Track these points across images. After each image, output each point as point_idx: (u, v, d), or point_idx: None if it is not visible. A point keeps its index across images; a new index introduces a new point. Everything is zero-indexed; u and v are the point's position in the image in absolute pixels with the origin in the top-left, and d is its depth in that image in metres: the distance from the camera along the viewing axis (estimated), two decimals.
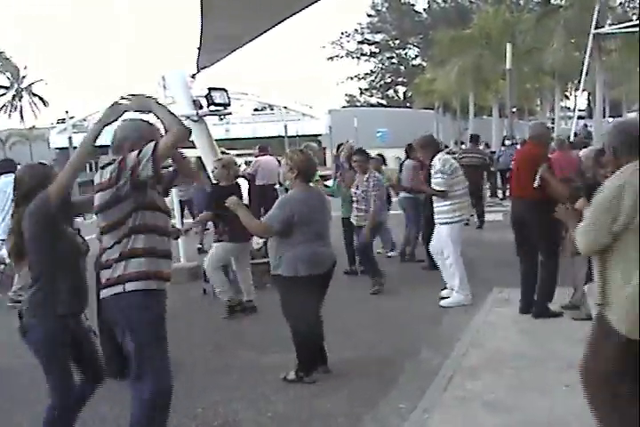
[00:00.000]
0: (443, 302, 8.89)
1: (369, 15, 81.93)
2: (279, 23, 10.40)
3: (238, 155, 20.76)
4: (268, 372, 6.51)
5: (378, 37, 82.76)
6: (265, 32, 11.02)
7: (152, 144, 4.06)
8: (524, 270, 8.19)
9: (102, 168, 4.22)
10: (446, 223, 8.88)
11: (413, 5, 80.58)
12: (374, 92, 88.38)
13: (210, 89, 10.63)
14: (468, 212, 9.16)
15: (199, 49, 11.04)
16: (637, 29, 33.96)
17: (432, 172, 8.94)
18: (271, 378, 6.35)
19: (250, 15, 9.79)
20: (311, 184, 6.42)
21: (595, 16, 32.79)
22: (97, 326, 5.12)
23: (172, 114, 4.23)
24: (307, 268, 6.04)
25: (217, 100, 10.61)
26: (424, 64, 70.35)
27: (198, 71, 11.82)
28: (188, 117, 10.56)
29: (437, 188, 8.83)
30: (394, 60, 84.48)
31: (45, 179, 4.45)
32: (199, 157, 11.43)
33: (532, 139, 8.25)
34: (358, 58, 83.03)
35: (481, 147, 24.91)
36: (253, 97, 58.86)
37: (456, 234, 8.94)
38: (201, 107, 10.83)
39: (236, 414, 5.64)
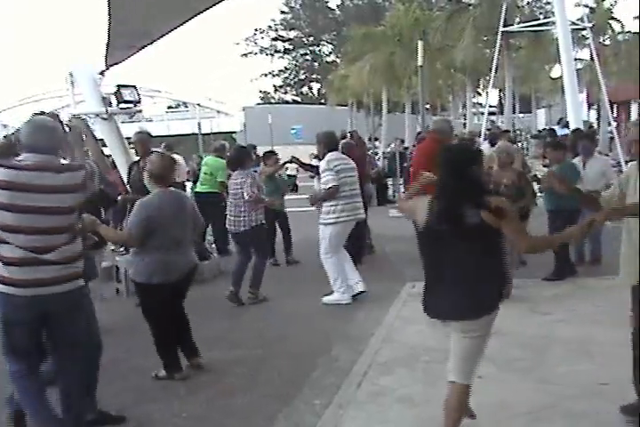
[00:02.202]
0: (324, 299, 8.88)
1: (282, 12, 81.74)
2: (190, 19, 10.28)
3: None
4: None
5: (291, 34, 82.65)
6: (176, 28, 10.88)
7: None
8: None
9: None
10: (330, 224, 8.84)
11: (327, 2, 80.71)
12: (288, 88, 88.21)
13: (119, 86, 10.46)
14: (360, 213, 9.00)
15: (107, 45, 10.82)
16: (544, 28, 34.83)
17: (320, 171, 8.99)
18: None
19: (159, 11, 9.65)
20: (171, 188, 6.31)
21: (502, 14, 33.40)
22: None
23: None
24: (159, 276, 6.01)
25: (126, 98, 10.45)
26: (338, 61, 70.50)
27: (107, 68, 11.59)
28: (97, 115, 10.36)
29: (328, 185, 8.78)
30: (308, 57, 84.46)
31: None
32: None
33: (435, 134, 8.32)
34: (272, 55, 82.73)
35: (393, 144, 25.26)
36: (167, 94, 58.35)
37: (336, 234, 8.88)
38: (110, 104, 10.64)
39: (150, 415, 5.57)
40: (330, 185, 8.74)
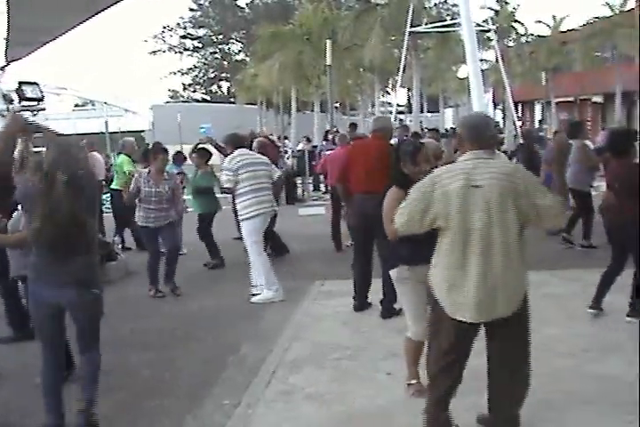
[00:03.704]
0: (254, 299, 8.83)
1: (191, 9, 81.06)
2: (94, 15, 10.06)
3: None
4: None
5: (200, 32, 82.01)
6: (79, 24, 10.63)
7: None
8: (364, 268, 8.14)
9: None
10: (244, 220, 8.87)
11: (236, 0, 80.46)
12: (198, 87, 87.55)
13: (20, 83, 10.14)
14: (269, 206, 8.97)
15: (7, 40, 10.51)
16: (450, 29, 35.45)
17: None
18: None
19: (62, 6, 9.41)
20: None
21: (410, 15, 33.90)
22: None
23: None
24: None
25: (29, 95, 10.09)
26: (247, 59, 70.34)
27: (7, 64, 11.26)
28: None
29: (224, 185, 8.91)
30: (217, 56, 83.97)
31: None
32: None
33: (377, 132, 8.34)
34: (181, 53, 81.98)
35: (302, 144, 25.32)
36: (73, 92, 57.12)
37: (252, 230, 8.87)
38: (12, 101, 10.34)
39: None
40: (225, 186, 8.91)
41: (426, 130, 30.09)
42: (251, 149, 10.00)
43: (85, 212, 4.82)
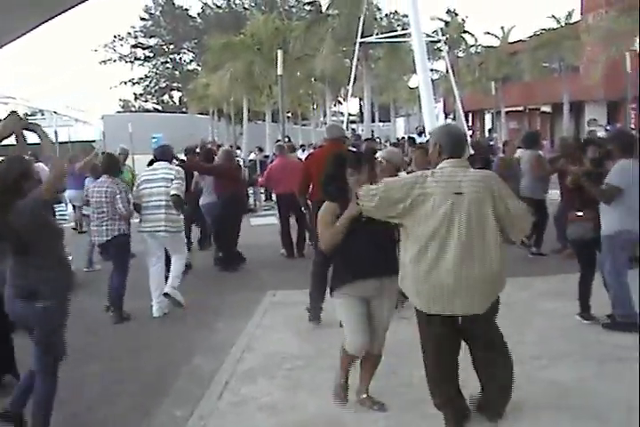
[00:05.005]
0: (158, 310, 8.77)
1: (142, 19, 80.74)
2: (43, 23, 10.00)
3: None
4: None
5: (152, 42, 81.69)
6: (27, 32, 10.55)
7: None
8: (321, 276, 7.93)
9: None
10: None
11: (187, 10, 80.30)
12: (149, 97, 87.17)
13: None
14: (155, 226, 8.81)
15: None
16: (400, 40, 35.76)
17: None
18: None
19: (8, 13, 9.33)
20: None
21: (360, 26, 34.13)
22: None
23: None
24: None
25: None
26: (199, 69, 70.16)
27: None
28: None
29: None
30: (168, 65, 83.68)
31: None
32: None
33: (331, 140, 8.38)
34: (132, 62, 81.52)
35: (253, 154, 25.29)
36: (22, 101, 56.49)
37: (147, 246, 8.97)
38: None
39: None
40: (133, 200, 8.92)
41: (378, 139, 30.36)
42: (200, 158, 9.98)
43: (27, 224, 4.76)
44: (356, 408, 5.29)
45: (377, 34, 37.40)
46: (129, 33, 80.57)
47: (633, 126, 29.06)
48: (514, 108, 48.60)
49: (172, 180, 8.75)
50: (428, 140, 11.66)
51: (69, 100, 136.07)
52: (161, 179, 8.79)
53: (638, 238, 7.07)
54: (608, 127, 29.06)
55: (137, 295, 9.33)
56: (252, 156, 26.41)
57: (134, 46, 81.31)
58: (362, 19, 34.15)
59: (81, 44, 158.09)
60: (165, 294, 8.61)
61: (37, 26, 10.20)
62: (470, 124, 53.57)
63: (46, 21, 9.89)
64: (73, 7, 9.36)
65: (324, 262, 7.89)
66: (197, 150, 14.15)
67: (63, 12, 9.08)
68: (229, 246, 11.45)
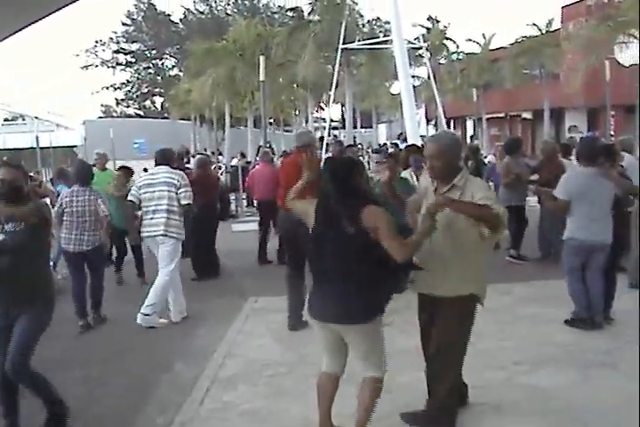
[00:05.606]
0: (142, 319, 8.46)
1: (124, 24, 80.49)
2: (24, 28, 9.96)
3: None
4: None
5: (134, 47, 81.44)
6: (8, 36, 10.51)
7: None
8: (296, 284, 7.95)
9: None
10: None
11: (169, 15, 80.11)
12: (131, 102, 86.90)
13: None
14: (152, 231, 8.70)
15: None
16: (382, 46, 35.83)
17: None
18: (24, 402, 5.98)
19: None
20: None
21: (342, 32, 34.18)
22: None
23: None
24: None
25: None
26: (181, 75, 70.02)
27: None
28: None
29: (128, 198, 8.86)
30: (150, 71, 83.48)
31: None
32: None
33: (302, 147, 8.28)
34: (114, 67, 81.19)
35: (236, 160, 25.23)
36: (3, 106, 56.18)
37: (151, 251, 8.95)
38: None
39: None
40: (128, 198, 8.86)
41: (360, 146, 30.38)
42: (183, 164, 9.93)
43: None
44: (337, 414, 5.27)
45: (359, 40, 37.35)
46: (111, 38, 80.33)
47: (612, 133, 29.21)
48: (495, 115, 48.85)
49: (176, 185, 8.62)
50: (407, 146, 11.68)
51: (51, 105, 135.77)
52: (162, 183, 8.64)
53: (590, 246, 7.30)
54: (585, 135, 29.29)
55: (118, 302, 9.32)
56: (235, 161, 26.38)
57: (116, 51, 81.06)
58: (344, 25, 34.14)
59: (62, 49, 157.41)
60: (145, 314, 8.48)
61: (20, 30, 10.15)
62: (452, 130, 53.76)
63: (28, 26, 9.85)
64: (56, 11, 9.33)
65: (298, 275, 7.87)
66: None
67: (45, 17, 9.05)
68: (207, 254, 11.36)
